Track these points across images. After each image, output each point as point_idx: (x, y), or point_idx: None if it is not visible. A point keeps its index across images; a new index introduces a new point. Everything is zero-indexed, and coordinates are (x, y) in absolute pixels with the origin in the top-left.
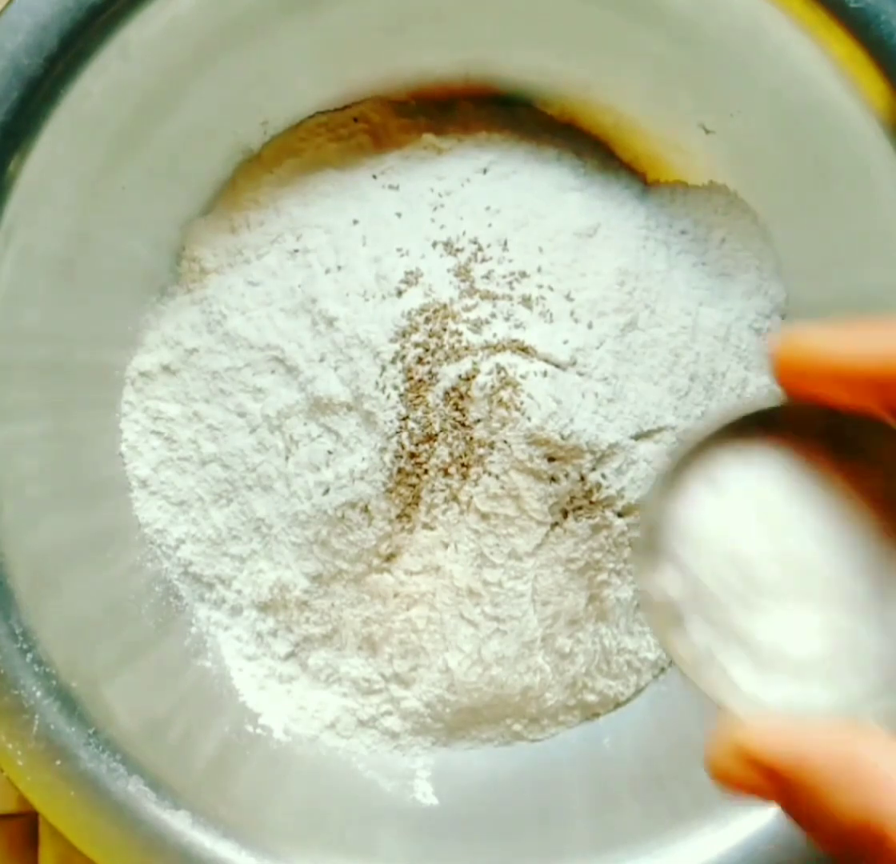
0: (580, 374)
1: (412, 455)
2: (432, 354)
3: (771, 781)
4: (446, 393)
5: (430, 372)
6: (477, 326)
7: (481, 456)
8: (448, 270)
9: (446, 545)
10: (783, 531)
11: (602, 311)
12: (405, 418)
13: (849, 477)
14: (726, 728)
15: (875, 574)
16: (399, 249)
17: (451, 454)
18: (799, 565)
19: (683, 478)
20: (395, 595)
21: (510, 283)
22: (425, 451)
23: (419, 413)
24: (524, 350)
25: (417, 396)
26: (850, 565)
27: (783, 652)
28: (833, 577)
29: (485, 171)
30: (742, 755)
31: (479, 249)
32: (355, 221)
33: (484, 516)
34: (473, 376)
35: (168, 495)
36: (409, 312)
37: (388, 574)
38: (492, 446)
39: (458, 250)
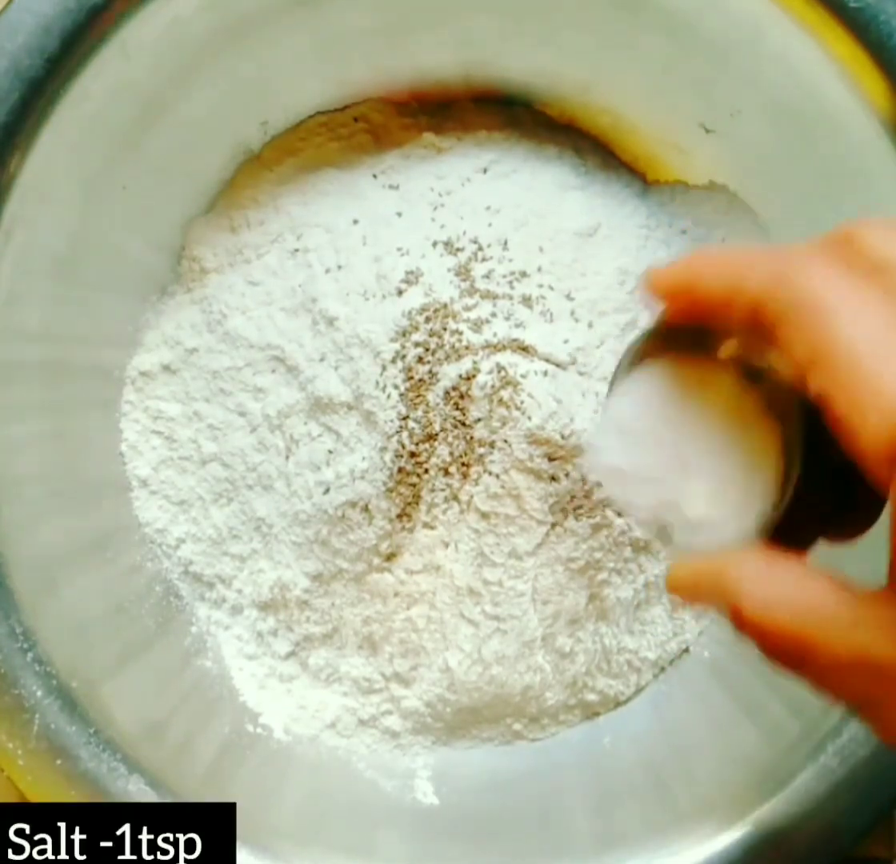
0: (580, 373)
1: (412, 455)
2: (433, 354)
3: (698, 596)
4: (447, 392)
5: (430, 371)
6: (477, 326)
7: (482, 455)
8: (448, 270)
9: (447, 545)
10: (667, 429)
11: (602, 310)
12: (405, 418)
13: (714, 371)
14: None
15: (741, 439)
16: (399, 249)
17: (451, 454)
18: (678, 449)
19: (624, 385)
20: (396, 594)
21: (510, 282)
22: (425, 450)
23: (419, 413)
24: (524, 349)
25: (418, 396)
26: (718, 438)
27: (693, 513)
28: (703, 451)
29: (485, 170)
30: (681, 587)
31: (480, 248)
32: (355, 221)
33: (484, 516)
34: (474, 376)
35: (168, 495)
36: (410, 312)
37: (388, 573)
38: (492, 445)
39: (458, 250)
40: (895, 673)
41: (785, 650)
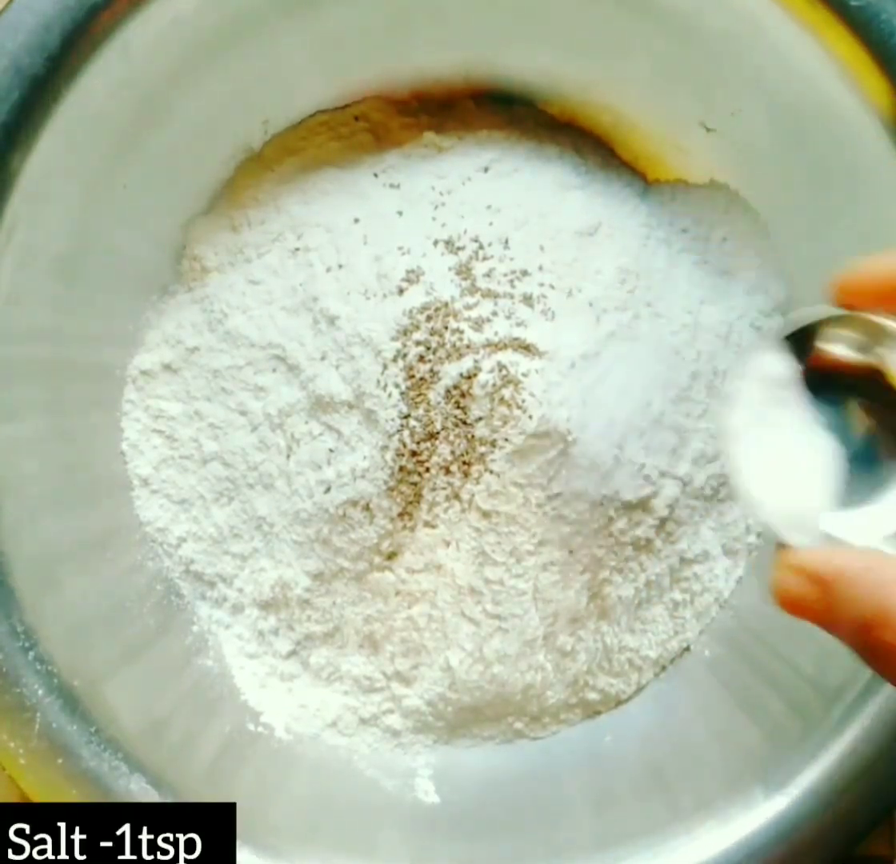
0: (581, 372)
1: (413, 453)
2: (434, 353)
3: (813, 584)
4: (448, 391)
5: (431, 370)
6: (478, 325)
7: (483, 454)
8: (449, 269)
9: (448, 543)
10: (766, 430)
11: (604, 309)
12: (407, 417)
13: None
14: (787, 558)
15: (811, 450)
16: (400, 248)
17: (452, 452)
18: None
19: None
20: (397, 593)
21: (511, 281)
22: (427, 449)
23: (420, 411)
24: (525, 348)
25: (419, 395)
26: (798, 445)
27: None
28: (784, 454)
29: (486, 169)
30: (796, 569)
31: (481, 247)
32: (356, 220)
33: (485, 514)
34: (475, 374)
35: (169, 494)
36: (411, 311)
37: (389, 572)
38: (493, 444)
39: (459, 249)
40: None
41: None
